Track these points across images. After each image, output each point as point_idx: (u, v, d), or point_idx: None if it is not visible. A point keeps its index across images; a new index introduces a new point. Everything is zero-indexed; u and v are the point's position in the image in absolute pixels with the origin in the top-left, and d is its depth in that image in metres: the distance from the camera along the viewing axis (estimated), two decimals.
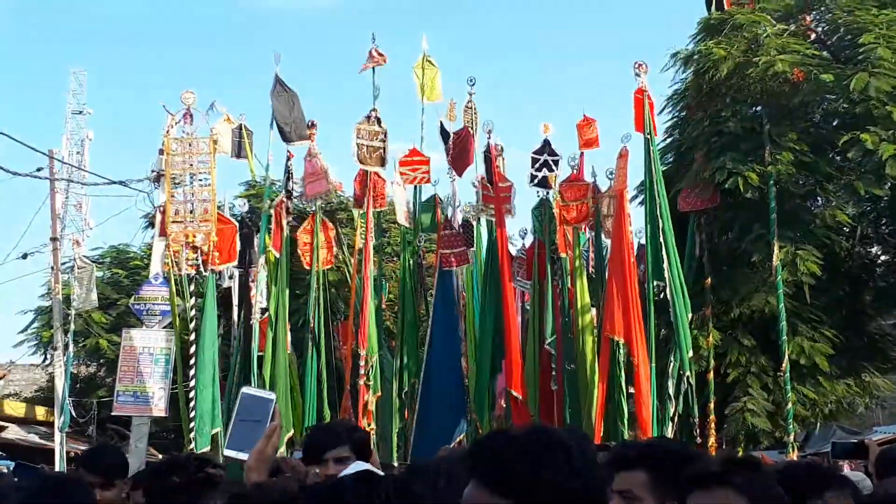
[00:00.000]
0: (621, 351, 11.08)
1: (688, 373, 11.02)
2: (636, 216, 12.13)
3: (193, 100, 11.79)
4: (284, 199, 12.84)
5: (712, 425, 11.41)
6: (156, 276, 12.13)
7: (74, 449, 17.12)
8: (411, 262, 13.54)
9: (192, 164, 11.72)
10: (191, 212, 11.63)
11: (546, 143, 12.13)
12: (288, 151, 12.95)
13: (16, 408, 20.26)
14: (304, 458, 3.77)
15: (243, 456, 2.65)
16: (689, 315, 11.23)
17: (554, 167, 12.10)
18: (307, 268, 12.87)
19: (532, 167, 12.07)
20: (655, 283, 11.28)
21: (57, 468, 15.09)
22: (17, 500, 3.54)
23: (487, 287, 12.45)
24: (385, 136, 12.36)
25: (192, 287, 11.88)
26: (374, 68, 12.59)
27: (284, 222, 12.60)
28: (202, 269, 11.61)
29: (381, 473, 2.70)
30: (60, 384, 16.87)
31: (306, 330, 12.74)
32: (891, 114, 10.44)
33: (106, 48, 67.41)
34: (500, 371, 12.10)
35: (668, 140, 13.10)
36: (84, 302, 16.79)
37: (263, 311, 12.65)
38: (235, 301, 13.77)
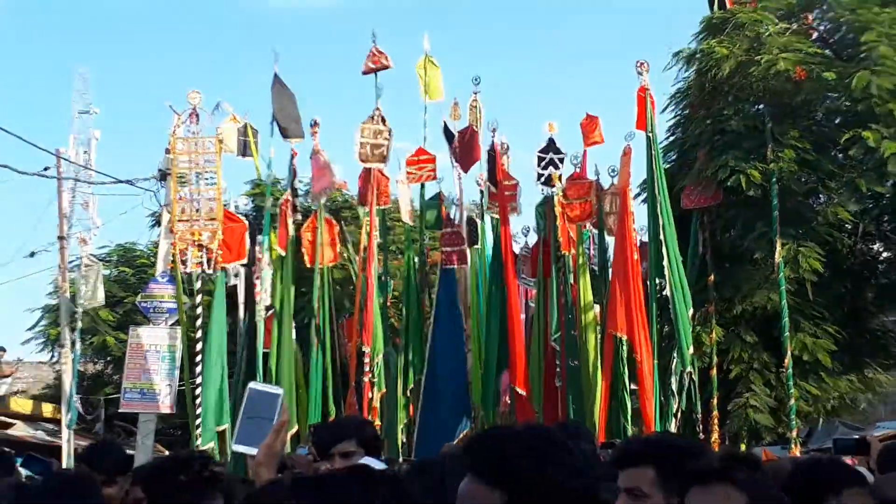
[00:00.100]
0: (624, 347, 11.14)
1: (688, 369, 11.07)
2: (639, 214, 12.20)
3: (199, 99, 11.85)
4: (290, 198, 12.91)
5: (715, 421, 11.46)
6: (162, 273, 12.19)
7: (81, 446, 17.15)
8: (416, 259, 13.61)
9: (198, 164, 11.79)
10: (197, 210, 11.71)
11: (551, 141, 12.18)
12: (292, 149, 13.03)
13: (23, 405, 20.32)
14: (317, 454, 3.81)
15: (252, 451, 2.65)
16: (691, 312, 11.27)
17: (559, 165, 12.15)
18: (310, 266, 12.95)
19: (538, 166, 12.12)
20: (657, 280, 11.34)
21: (64, 465, 15.16)
22: (30, 497, 3.61)
23: (493, 285, 12.50)
24: (389, 134, 12.43)
25: (199, 285, 11.96)
26: (376, 74, 12.64)
27: (290, 221, 12.67)
28: (206, 267, 11.68)
29: (379, 468, 2.72)
30: (68, 381, 16.96)
31: (311, 327, 12.81)
32: (892, 111, 10.49)
33: (111, 48, 67.45)
34: (505, 368, 12.16)
35: (671, 138, 13.14)
36: (91, 299, 16.87)
37: (268, 308, 12.72)
38: (241, 299, 13.83)
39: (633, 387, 11.31)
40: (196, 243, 11.60)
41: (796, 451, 10.93)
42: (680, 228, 11.56)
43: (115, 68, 63.83)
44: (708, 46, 11.76)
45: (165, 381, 11.92)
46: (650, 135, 11.39)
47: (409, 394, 12.79)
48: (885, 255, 12.84)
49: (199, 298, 11.92)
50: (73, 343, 17.30)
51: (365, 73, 12.65)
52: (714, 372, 11.67)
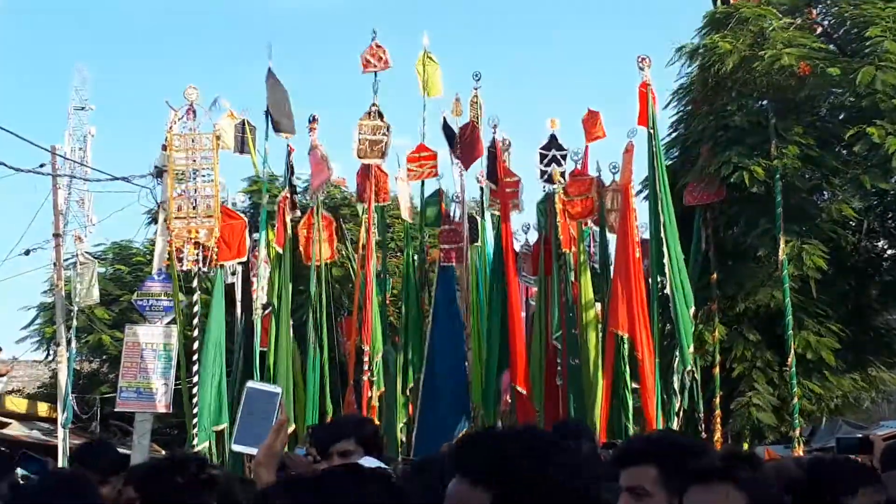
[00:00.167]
0: (625, 346, 11.06)
1: (689, 367, 11.00)
2: (641, 211, 12.10)
3: (196, 96, 11.75)
4: (288, 195, 12.82)
5: (717, 420, 11.40)
6: (158, 271, 12.10)
7: (77, 445, 17.08)
8: (415, 257, 13.53)
9: (195, 160, 11.69)
10: (194, 208, 11.62)
11: (553, 137, 12.09)
12: (289, 146, 12.95)
13: (18, 404, 20.22)
14: (317, 454, 3.74)
15: (252, 451, 2.61)
16: (692, 310, 11.19)
17: (562, 162, 12.05)
18: (307, 263, 12.87)
19: (540, 162, 12.02)
20: (658, 278, 11.26)
21: (60, 464, 15.06)
22: (28, 497, 3.52)
23: (494, 283, 12.41)
24: (388, 130, 12.34)
25: (195, 283, 11.87)
26: (376, 73, 12.57)
27: (288, 218, 12.58)
28: (202, 264, 11.59)
29: (371, 466, 2.64)
30: (63, 380, 16.86)
31: (309, 325, 12.73)
32: None
33: (108, 44, 67.45)
34: (506, 367, 12.08)
35: (674, 134, 13.08)
36: (85, 297, 16.76)
37: (265, 306, 12.63)
38: (238, 297, 13.75)
39: (634, 385, 11.23)
40: (193, 241, 11.50)
41: (799, 450, 10.88)
42: (683, 225, 11.49)
43: (111, 65, 63.81)
44: (711, 41, 11.69)
45: (162, 380, 11.83)
46: (651, 131, 11.32)
47: (408, 393, 12.70)
48: (889, 252, 12.78)
49: (195, 296, 11.82)
50: (68, 341, 17.18)
51: (364, 71, 12.56)
52: (717, 370, 11.61)
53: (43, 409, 20.30)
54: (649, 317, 11.05)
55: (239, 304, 13.63)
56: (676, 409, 11.19)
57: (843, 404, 12.42)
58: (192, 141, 11.74)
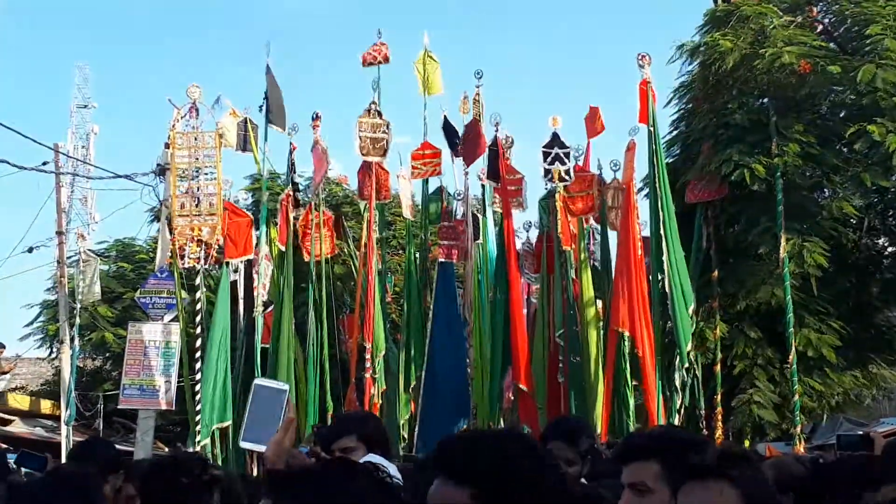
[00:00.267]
0: (626, 343, 11.07)
1: (686, 365, 11.01)
2: (642, 209, 12.11)
3: (199, 94, 11.78)
4: (291, 192, 12.84)
5: (719, 417, 11.42)
6: (161, 269, 12.12)
7: (75, 443, 17.12)
8: (417, 255, 13.53)
9: (197, 158, 11.71)
10: (197, 205, 11.64)
11: (555, 136, 12.08)
12: (291, 144, 12.96)
13: (21, 401, 20.26)
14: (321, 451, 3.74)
15: (260, 448, 2.62)
16: (691, 308, 11.19)
17: (566, 160, 12.03)
18: (306, 258, 12.89)
19: (544, 161, 12.00)
20: (659, 276, 11.27)
21: (63, 461, 15.10)
22: (26, 496, 3.52)
23: (497, 281, 12.41)
24: (388, 128, 12.35)
25: (198, 280, 11.88)
26: (378, 67, 12.57)
27: (291, 216, 12.60)
28: (203, 262, 11.62)
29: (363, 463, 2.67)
30: (66, 377, 16.89)
31: (309, 322, 12.73)
32: None
33: (111, 43, 67.45)
34: (509, 365, 12.09)
35: (675, 132, 13.09)
36: (87, 294, 16.79)
37: (267, 304, 12.63)
38: (241, 294, 13.78)
39: (634, 383, 11.25)
40: (196, 239, 11.53)
41: (800, 447, 10.87)
42: (684, 223, 11.50)
43: (115, 63, 63.82)
44: (712, 39, 11.69)
45: (165, 378, 11.86)
46: (651, 128, 11.32)
47: (410, 391, 12.70)
48: (889, 249, 12.78)
49: (198, 294, 11.84)
50: (71, 339, 17.23)
51: (365, 64, 12.57)
52: (718, 368, 11.63)
53: (46, 406, 20.35)
54: (650, 314, 11.06)
55: (242, 302, 13.66)
56: (678, 407, 11.20)
57: (844, 401, 12.44)
58: (195, 139, 11.76)
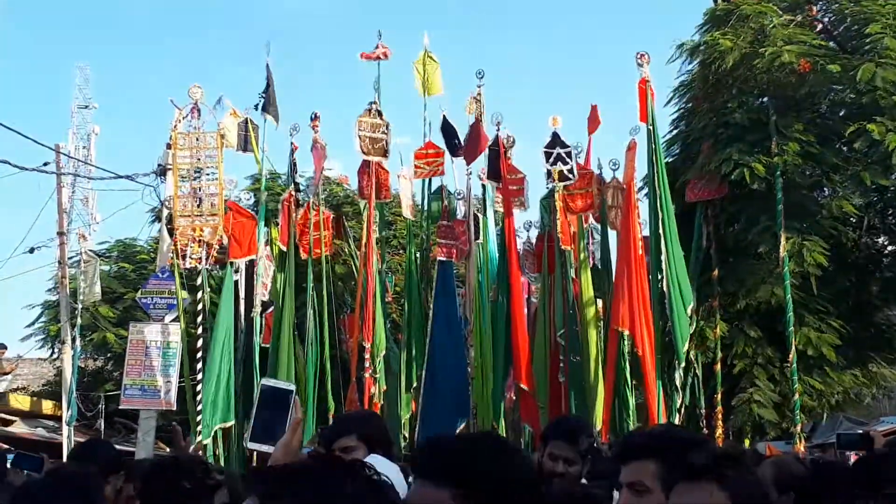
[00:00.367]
0: (626, 343, 11.08)
1: (683, 364, 11.01)
2: (642, 208, 12.11)
3: (201, 94, 11.79)
4: (293, 193, 12.85)
5: (719, 416, 11.42)
6: (162, 269, 12.14)
7: (75, 444, 17.14)
8: (417, 254, 13.53)
9: (199, 159, 11.73)
10: (198, 206, 11.66)
11: (555, 135, 12.07)
12: (292, 144, 12.96)
13: (22, 402, 20.27)
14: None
15: (267, 448, 2.60)
16: (690, 307, 11.19)
17: (568, 159, 12.01)
18: (304, 256, 12.89)
19: (546, 161, 11.98)
20: (658, 275, 11.28)
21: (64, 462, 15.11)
22: (29, 497, 3.53)
23: (499, 282, 12.41)
24: (387, 129, 12.36)
25: (199, 280, 11.89)
26: (378, 63, 12.58)
27: (292, 216, 12.61)
28: (204, 262, 11.63)
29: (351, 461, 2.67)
30: (68, 378, 16.91)
31: (308, 321, 12.74)
32: None
33: (111, 43, 67.46)
34: (511, 364, 12.10)
35: (675, 131, 13.08)
36: (88, 295, 16.82)
37: (264, 304, 12.63)
38: (242, 294, 13.80)
39: (633, 382, 11.25)
40: (197, 239, 11.54)
41: (800, 446, 10.88)
42: (684, 222, 11.49)
43: (115, 64, 63.84)
44: (712, 38, 11.69)
45: (166, 378, 11.87)
46: (650, 127, 11.32)
47: (412, 391, 12.70)
48: (889, 248, 12.78)
49: (200, 294, 11.85)
50: (73, 339, 17.24)
51: (364, 58, 12.56)
52: (718, 367, 11.62)
53: (47, 406, 20.37)
54: (651, 314, 11.07)
55: (243, 302, 13.69)
56: (678, 406, 11.21)
57: (844, 400, 12.43)
58: (197, 139, 11.77)
